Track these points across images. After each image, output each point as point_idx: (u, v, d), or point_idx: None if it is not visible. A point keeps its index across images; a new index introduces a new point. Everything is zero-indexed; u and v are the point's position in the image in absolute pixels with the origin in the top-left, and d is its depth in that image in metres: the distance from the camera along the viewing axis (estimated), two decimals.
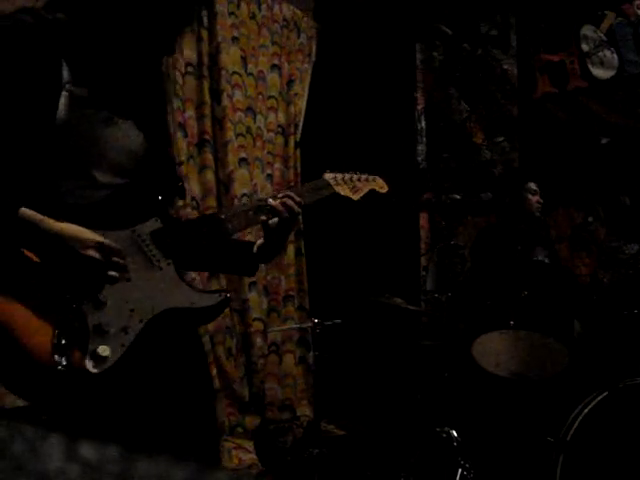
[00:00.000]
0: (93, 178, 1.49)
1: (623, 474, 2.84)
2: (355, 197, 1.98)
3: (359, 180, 2.00)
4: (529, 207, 3.65)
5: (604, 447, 2.85)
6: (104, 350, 1.34)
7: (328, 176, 1.94)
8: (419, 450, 3.24)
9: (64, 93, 1.45)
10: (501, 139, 4.66)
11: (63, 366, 1.30)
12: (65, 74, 1.46)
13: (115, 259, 1.42)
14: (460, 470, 3.03)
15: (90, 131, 1.48)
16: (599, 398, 2.91)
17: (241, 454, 3.66)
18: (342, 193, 1.94)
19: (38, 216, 1.38)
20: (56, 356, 1.30)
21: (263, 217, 1.70)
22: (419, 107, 4.83)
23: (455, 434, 3.12)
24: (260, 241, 1.79)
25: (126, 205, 1.52)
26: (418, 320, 4.11)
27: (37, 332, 1.32)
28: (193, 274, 3.46)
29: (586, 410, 2.89)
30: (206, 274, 3.65)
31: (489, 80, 4.69)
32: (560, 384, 3.16)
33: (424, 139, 4.81)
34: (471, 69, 4.72)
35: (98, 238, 1.40)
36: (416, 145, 4.81)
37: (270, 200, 1.71)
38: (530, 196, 3.64)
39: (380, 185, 2.06)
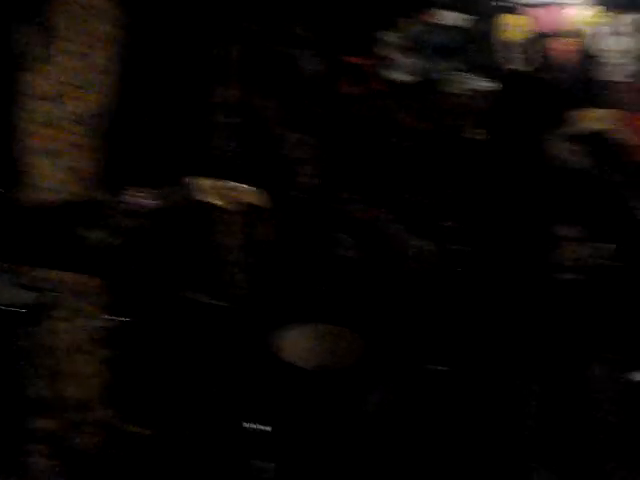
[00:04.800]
0: None
1: (415, 457, 3.01)
2: (229, 207, 1.91)
3: (236, 190, 1.96)
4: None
5: (398, 433, 3.01)
6: None
7: (201, 182, 1.88)
8: (227, 446, 3.26)
9: None
10: (305, 137, 4.74)
11: None
12: None
13: None
14: (256, 462, 3.08)
15: None
16: (391, 386, 3.07)
17: (37, 458, 3.49)
18: (213, 202, 1.88)
19: None
20: None
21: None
22: (223, 102, 4.81)
23: (261, 428, 3.16)
24: None
25: None
26: (223, 315, 4.09)
27: None
28: None
29: (379, 399, 3.04)
30: None
31: (293, 79, 4.76)
32: (357, 375, 3.29)
33: (229, 135, 4.79)
34: (276, 67, 4.77)
35: None
36: (221, 141, 4.78)
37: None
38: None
39: (259, 198, 2.03)
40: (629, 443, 2.75)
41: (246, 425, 3.18)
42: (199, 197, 1.89)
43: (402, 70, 4.73)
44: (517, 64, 4.65)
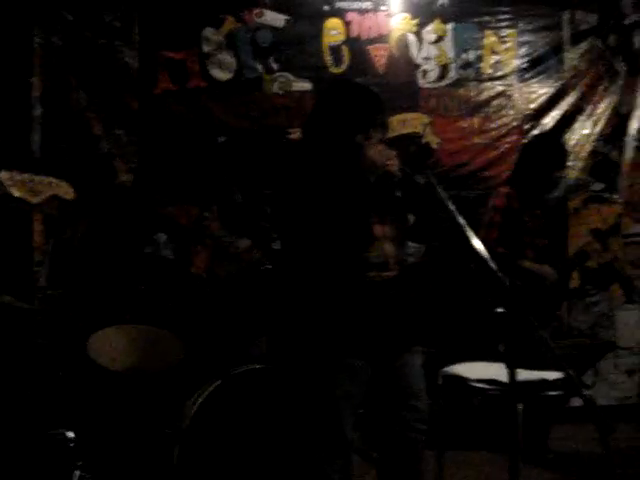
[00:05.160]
0: None
1: (238, 456, 3.01)
2: (34, 200, 1.92)
3: (41, 183, 1.93)
4: None
5: (220, 432, 2.99)
6: None
7: (4, 175, 1.84)
8: (33, 455, 3.09)
9: None
10: (120, 132, 4.61)
11: None
12: None
13: None
14: (77, 472, 2.95)
15: None
16: (213, 386, 3.04)
17: None
18: (17, 194, 1.86)
19: None
20: None
21: None
22: (35, 93, 4.56)
23: (71, 435, 3.03)
24: None
25: None
26: (32, 318, 3.89)
27: None
28: None
29: (201, 399, 3.00)
30: None
31: (110, 71, 4.60)
32: (177, 376, 3.24)
33: (40, 127, 4.57)
34: (92, 58, 4.59)
35: None
36: (31, 133, 4.55)
37: None
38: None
39: (65, 191, 2.04)
40: (438, 432, 2.90)
41: (55, 432, 3.03)
42: (2, 190, 1.82)
43: (222, 68, 4.71)
44: (334, 67, 4.77)
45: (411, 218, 2.54)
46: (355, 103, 2.47)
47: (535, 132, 4.83)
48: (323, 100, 2.63)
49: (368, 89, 2.61)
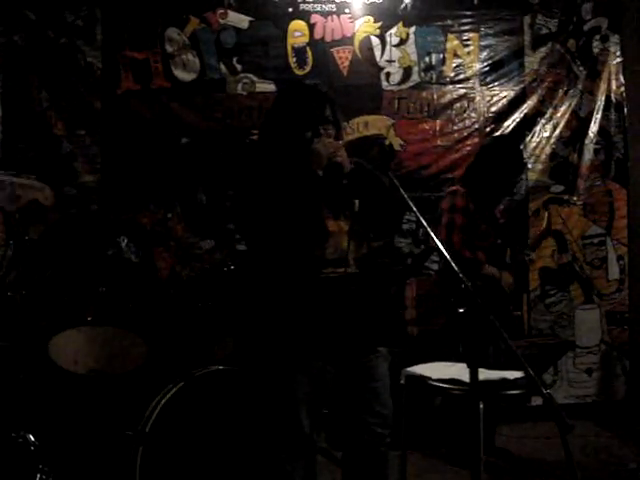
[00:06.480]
0: None
1: (201, 458, 3.00)
2: (9, 208, 1.85)
3: (21, 187, 1.86)
4: None
5: (183, 434, 2.98)
6: None
7: None
8: None
9: None
10: (82, 132, 4.57)
11: None
12: None
13: None
14: (39, 475, 2.92)
15: None
16: (176, 388, 3.03)
17: None
18: None
19: None
20: None
21: None
22: None
23: (32, 438, 2.99)
24: None
25: None
26: None
27: None
28: None
29: (164, 400, 2.99)
30: None
31: (72, 71, 4.56)
32: (140, 377, 3.22)
33: (0, 127, 4.52)
34: (54, 58, 4.55)
35: None
36: None
37: None
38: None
39: (45, 196, 1.96)
40: (400, 432, 2.92)
41: (14, 435, 3.00)
42: None
43: (186, 68, 4.69)
44: (298, 69, 4.78)
45: (357, 203, 2.52)
46: (301, 101, 2.50)
47: (495, 135, 4.89)
48: (275, 102, 2.66)
49: (314, 88, 2.64)
